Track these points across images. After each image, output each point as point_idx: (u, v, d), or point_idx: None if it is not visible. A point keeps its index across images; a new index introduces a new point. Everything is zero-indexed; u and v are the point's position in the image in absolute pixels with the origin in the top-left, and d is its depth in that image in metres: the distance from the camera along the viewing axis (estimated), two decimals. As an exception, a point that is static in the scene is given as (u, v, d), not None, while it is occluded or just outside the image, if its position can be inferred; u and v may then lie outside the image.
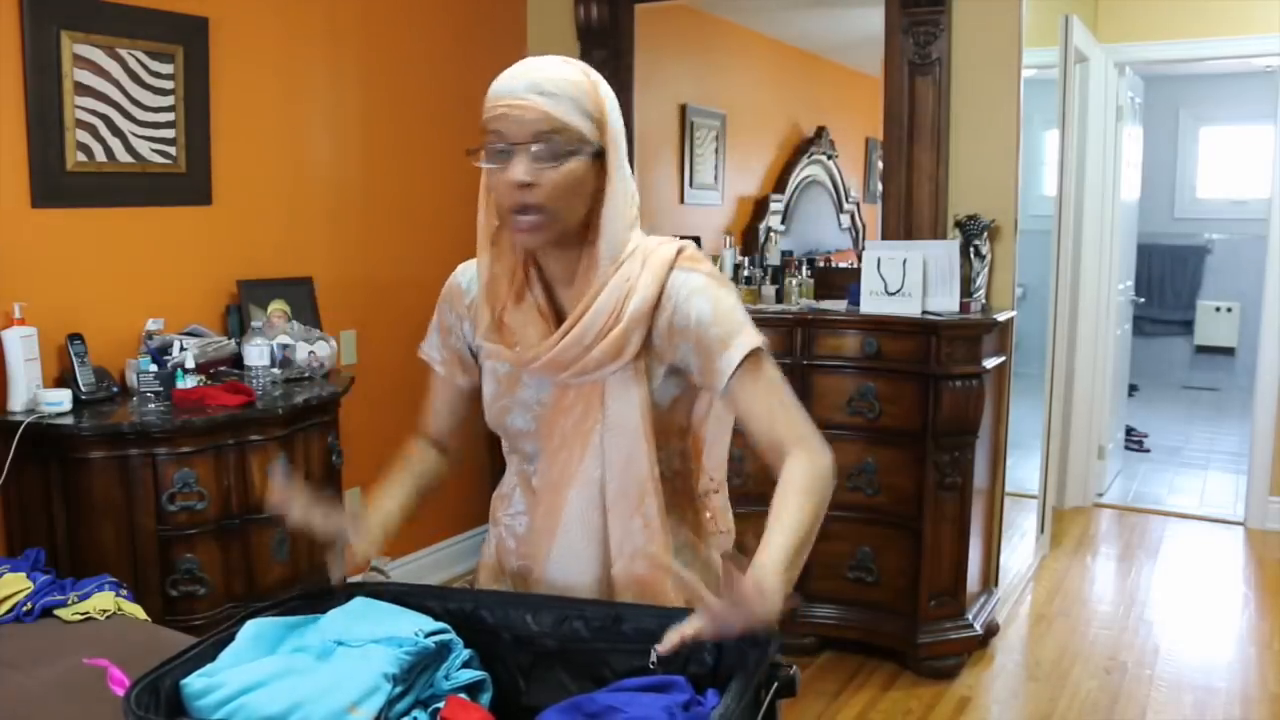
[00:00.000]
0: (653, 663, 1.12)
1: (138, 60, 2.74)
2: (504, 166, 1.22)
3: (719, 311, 1.27)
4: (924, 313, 3.12)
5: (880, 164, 3.56)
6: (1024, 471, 4.62)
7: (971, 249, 3.27)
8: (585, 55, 3.98)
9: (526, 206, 1.22)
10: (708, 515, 1.50)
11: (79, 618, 2.00)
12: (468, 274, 1.44)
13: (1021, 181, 3.39)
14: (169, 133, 2.83)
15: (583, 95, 1.24)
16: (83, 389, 2.49)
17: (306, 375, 2.87)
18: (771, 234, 4.32)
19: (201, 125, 2.91)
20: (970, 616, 3.23)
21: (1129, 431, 5.98)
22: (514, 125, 1.22)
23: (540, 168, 1.21)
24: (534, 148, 1.21)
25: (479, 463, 4.03)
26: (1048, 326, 4.13)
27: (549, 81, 1.23)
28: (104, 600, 2.05)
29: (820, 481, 1.26)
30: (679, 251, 1.30)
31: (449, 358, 1.53)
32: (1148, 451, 6.03)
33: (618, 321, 1.26)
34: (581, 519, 1.34)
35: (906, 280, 3.15)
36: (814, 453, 1.27)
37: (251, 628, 1.17)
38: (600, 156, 1.25)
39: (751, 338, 1.27)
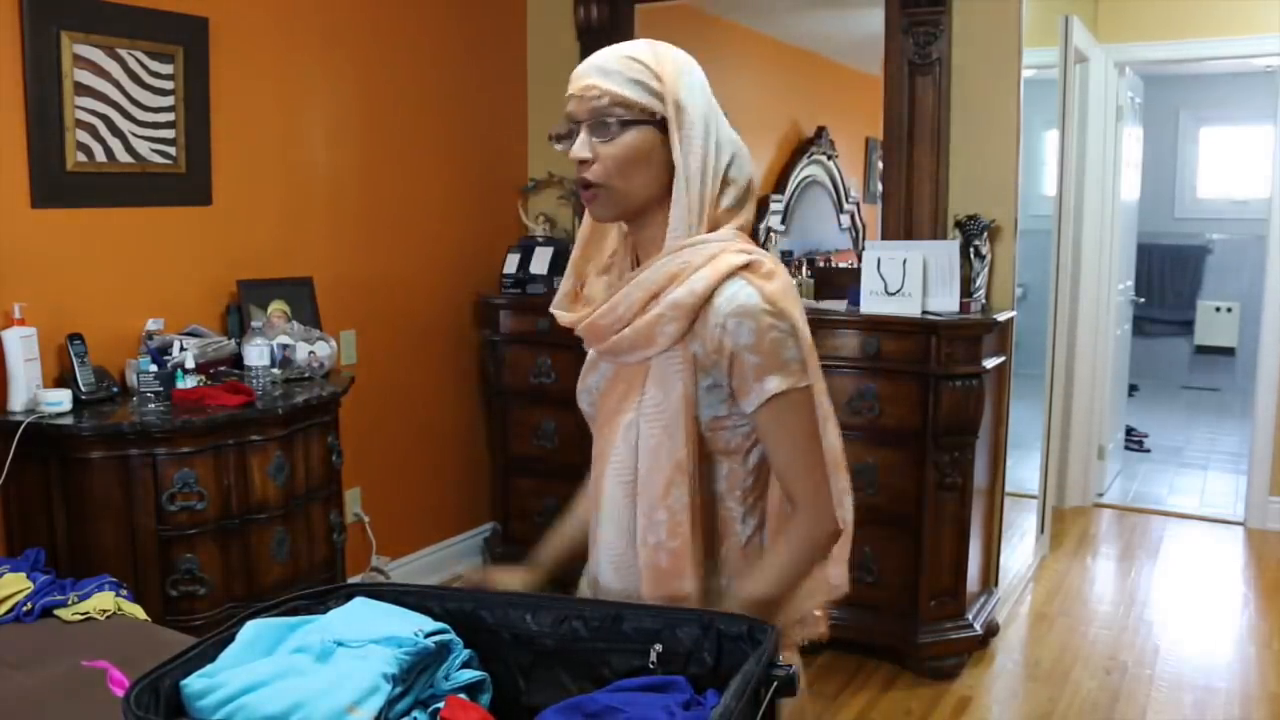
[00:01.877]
0: (652, 663, 1.12)
1: (138, 60, 2.74)
2: (570, 144, 1.27)
3: (762, 341, 1.23)
4: (924, 313, 3.12)
5: (880, 164, 3.56)
6: (1024, 471, 4.62)
7: (971, 249, 3.27)
8: (585, 55, 3.97)
9: (588, 182, 1.27)
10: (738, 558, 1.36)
11: (79, 618, 2.00)
12: None
13: (1021, 181, 3.39)
14: (169, 133, 2.84)
15: (643, 70, 1.25)
16: (83, 389, 2.49)
17: (306, 375, 2.87)
18: (771, 234, 4.31)
19: (201, 125, 2.91)
20: (970, 616, 3.23)
21: (1129, 431, 5.98)
22: (578, 104, 1.26)
23: (598, 142, 1.25)
24: (592, 124, 1.25)
25: (479, 462, 4.04)
26: (1048, 326, 4.13)
27: (610, 60, 1.26)
28: (104, 600, 2.05)
29: (810, 552, 1.28)
30: (748, 264, 1.25)
31: None
32: (1148, 451, 6.03)
33: (655, 304, 1.24)
34: (613, 505, 1.32)
35: (906, 280, 3.15)
36: (815, 523, 1.27)
37: (251, 628, 1.17)
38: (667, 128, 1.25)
39: (787, 379, 1.24)
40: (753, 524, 1.34)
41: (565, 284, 1.39)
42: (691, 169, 1.25)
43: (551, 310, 1.40)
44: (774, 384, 1.24)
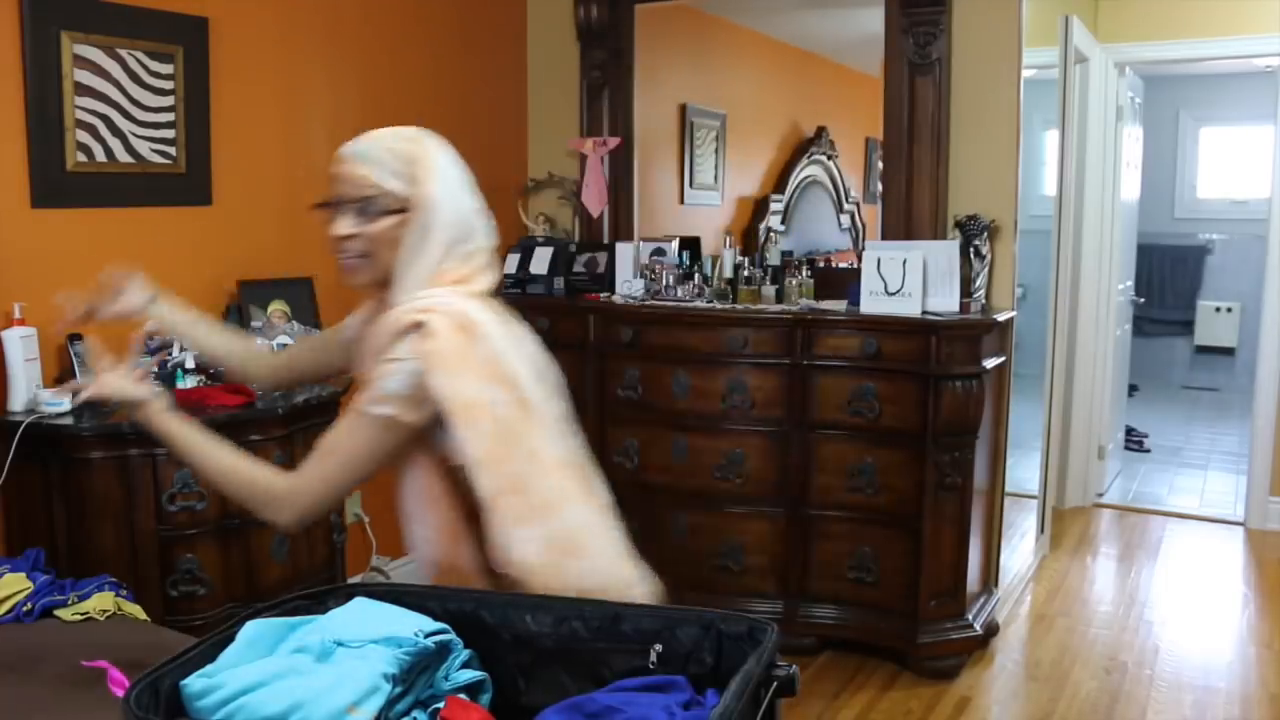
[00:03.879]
0: (652, 663, 1.12)
1: (138, 60, 2.74)
2: (334, 220, 1.46)
3: (384, 369, 1.39)
4: (924, 313, 3.12)
5: (880, 164, 3.56)
6: (1024, 471, 4.62)
7: (971, 249, 3.27)
8: (585, 55, 3.98)
9: (347, 253, 1.47)
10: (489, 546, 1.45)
11: (79, 618, 2.00)
12: None
13: (1021, 181, 3.39)
14: (169, 133, 2.84)
15: (405, 165, 1.44)
16: (83, 389, 2.49)
17: (306, 375, 2.87)
18: (771, 234, 4.32)
19: (201, 125, 2.91)
20: (970, 616, 3.23)
21: (1129, 431, 5.98)
22: (344, 186, 1.46)
23: (360, 222, 1.45)
24: (356, 204, 1.44)
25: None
26: (1048, 326, 4.13)
27: (379, 151, 1.45)
28: (104, 600, 2.05)
29: (250, 491, 1.44)
30: (419, 325, 1.38)
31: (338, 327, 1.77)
32: (1148, 451, 6.03)
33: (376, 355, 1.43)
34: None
35: (906, 280, 3.15)
36: (283, 492, 1.43)
37: (251, 628, 1.17)
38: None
39: (368, 400, 1.40)
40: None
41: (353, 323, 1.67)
42: (432, 255, 1.45)
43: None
44: (362, 398, 1.42)
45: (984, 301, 3.29)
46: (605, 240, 3.92)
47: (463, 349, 1.38)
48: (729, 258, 3.60)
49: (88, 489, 2.35)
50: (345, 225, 1.45)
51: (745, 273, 3.51)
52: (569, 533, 1.41)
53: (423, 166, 1.45)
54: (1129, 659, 3.34)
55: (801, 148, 4.60)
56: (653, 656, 1.11)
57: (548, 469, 1.42)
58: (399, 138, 1.47)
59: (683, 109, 4.17)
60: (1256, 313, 4.93)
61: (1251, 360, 5.21)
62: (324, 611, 1.24)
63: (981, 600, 3.37)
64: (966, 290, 3.22)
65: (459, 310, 1.40)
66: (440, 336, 1.37)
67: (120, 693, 1.04)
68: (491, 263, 1.52)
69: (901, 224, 3.41)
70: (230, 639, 1.15)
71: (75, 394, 1.66)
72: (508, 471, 1.38)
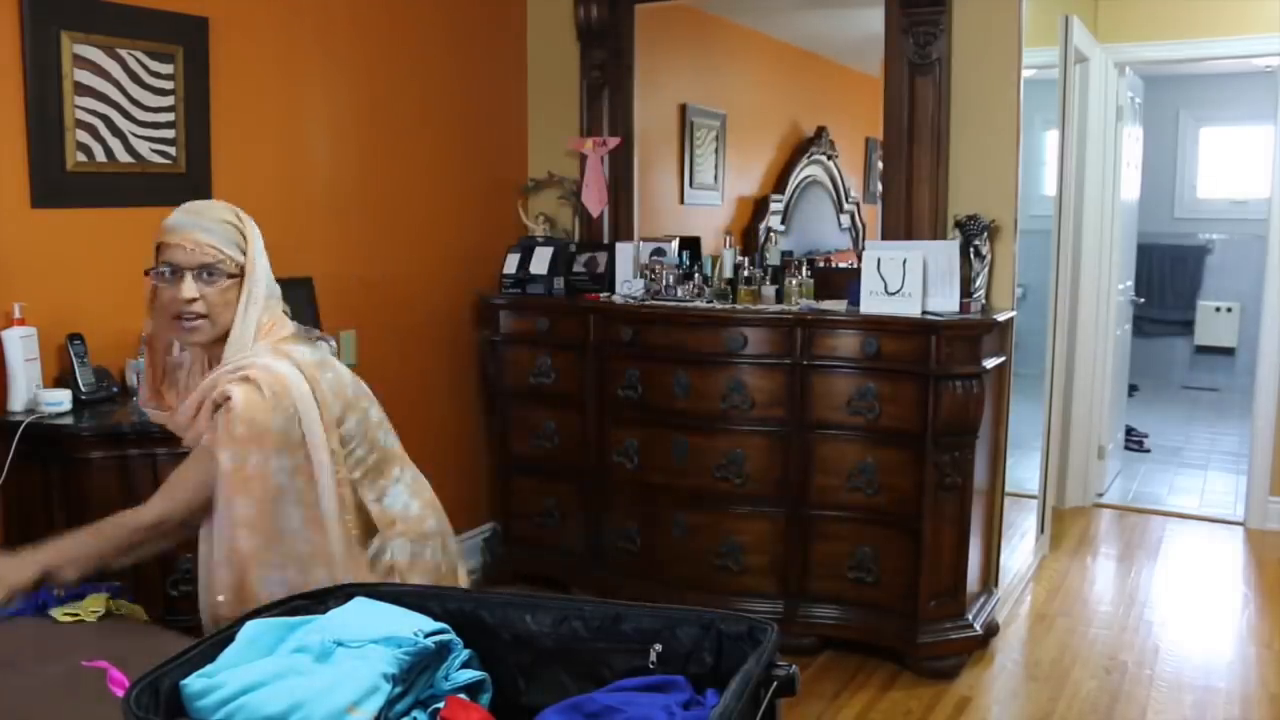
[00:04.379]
0: (652, 663, 1.12)
1: (138, 60, 2.74)
2: (174, 285, 1.67)
3: (221, 422, 1.65)
4: (924, 313, 3.12)
5: (880, 164, 3.55)
6: (1024, 471, 4.62)
7: (971, 249, 3.27)
8: (585, 55, 3.98)
9: (189, 316, 1.68)
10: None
11: (70, 618, 2.00)
12: None
13: (1021, 181, 3.39)
14: (169, 133, 2.83)
15: (237, 235, 1.71)
16: (83, 389, 2.49)
17: (306, 375, 2.87)
18: (771, 234, 4.32)
19: (201, 125, 2.91)
20: (970, 616, 3.23)
21: (1129, 431, 5.98)
22: (185, 255, 1.67)
23: (202, 286, 1.67)
24: (197, 271, 1.67)
25: (478, 463, 4.04)
26: (1048, 326, 4.13)
27: (212, 223, 1.70)
28: (95, 602, 2.05)
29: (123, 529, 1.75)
30: (227, 398, 1.64)
31: None
32: (1148, 451, 6.02)
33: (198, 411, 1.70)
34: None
35: (906, 280, 3.15)
36: (141, 510, 1.74)
37: (251, 628, 1.17)
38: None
39: (215, 444, 1.66)
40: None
41: (144, 391, 1.88)
42: (257, 311, 1.72)
43: (141, 407, 1.93)
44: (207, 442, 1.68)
45: (984, 301, 3.29)
46: (605, 240, 3.91)
47: (260, 424, 1.63)
48: (729, 258, 3.60)
49: (88, 489, 2.35)
50: (189, 289, 1.66)
51: (745, 273, 3.51)
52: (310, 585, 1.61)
53: (248, 236, 1.73)
54: (1129, 659, 3.34)
55: (801, 148, 4.59)
56: (653, 656, 1.11)
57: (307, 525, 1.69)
58: (226, 210, 1.74)
59: (683, 109, 4.17)
60: (1256, 313, 4.93)
61: (1251, 360, 5.21)
62: (324, 611, 1.25)
63: (981, 600, 3.37)
64: (966, 290, 3.22)
65: (273, 374, 1.66)
66: (237, 413, 1.62)
67: (120, 693, 1.04)
68: (284, 309, 1.83)
69: (901, 224, 3.41)
70: (230, 639, 1.15)
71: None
72: (264, 529, 1.65)
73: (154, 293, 1.73)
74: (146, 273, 1.72)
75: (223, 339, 1.72)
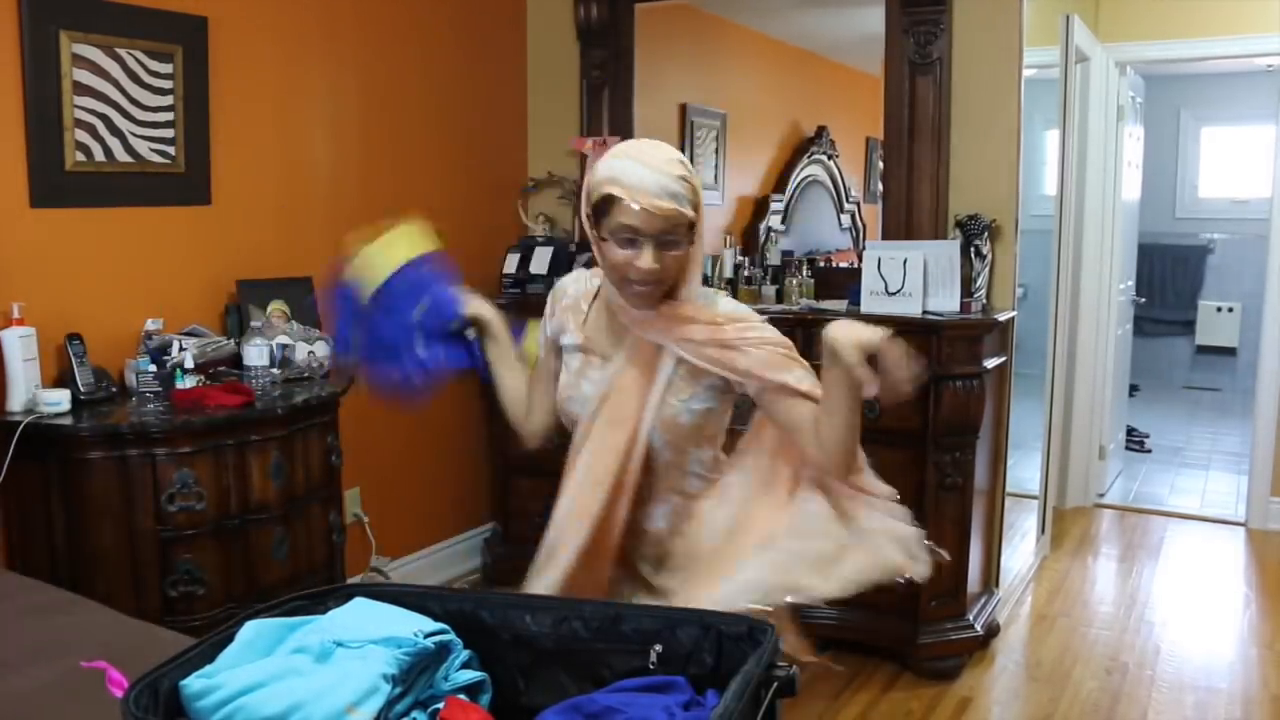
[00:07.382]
0: (653, 663, 1.12)
1: (137, 60, 2.74)
2: (636, 254, 1.51)
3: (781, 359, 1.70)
4: (924, 313, 3.12)
5: (880, 164, 3.55)
6: (1025, 472, 4.62)
7: (972, 249, 3.27)
8: (585, 55, 3.98)
9: (647, 283, 1.53)
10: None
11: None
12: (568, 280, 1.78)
13: (1022, 181, 3.38)
14: (168, 132, 2.83)
15: (693, 190, 1.52)
16: (82, 389, 2.49)
17: (306, 375, 2.87)
18: (772, 234, 4.32)
19: (200, 125, 2.91)
20: (971, 617, 3.23)
21: (1130, 432, 5.98)
22: (650, 221, 1.49)
23: (663, 253, 1.51)
24: (661, 239, 1.51)
25: (479, 462, 4.03)
26: (1048, 326, 4.12)
27: (674, 183, 1.50)
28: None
29: None
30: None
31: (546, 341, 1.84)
32: (1149, 452, 6.02)
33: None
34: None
35: (907, 280, 3.14)
36: None
37: (250, 628, 1.17)
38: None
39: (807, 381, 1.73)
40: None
41: (573, 323, 1.72)
42: (702, 254, 1.61)
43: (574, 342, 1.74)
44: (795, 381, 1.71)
45: (984, 301, 3.28)
46: (605, 240, 3.91)
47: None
48: (729, 257, 3.60)
49: (87, 489, 2.34)
50: (647, 259, 1.51)
51: (745, 272, 3.51)
52: None
53: (697, 186, 1.54)
54: (1130, 659, 3.33)
55: (802, 147, 4.60)
56: (653, 657, 1.11)
57: None
58: (680, 165, 1.53)
59: (683, 109, 4.17)
60: (1258, 312, 4.92)
61: (1253, 360, 5.21)
62: (323, 612, 1.24)
63: (982, 601, 3.37)
64: (967, 290, 3.22)
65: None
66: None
67: (119, 693, 1.04)
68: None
69: (902, 224, 3.41)
70: (229, 639, 1.15)
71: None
72: None
73: (611, 255, 1.55)
74: (600, 239, 1.56)
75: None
